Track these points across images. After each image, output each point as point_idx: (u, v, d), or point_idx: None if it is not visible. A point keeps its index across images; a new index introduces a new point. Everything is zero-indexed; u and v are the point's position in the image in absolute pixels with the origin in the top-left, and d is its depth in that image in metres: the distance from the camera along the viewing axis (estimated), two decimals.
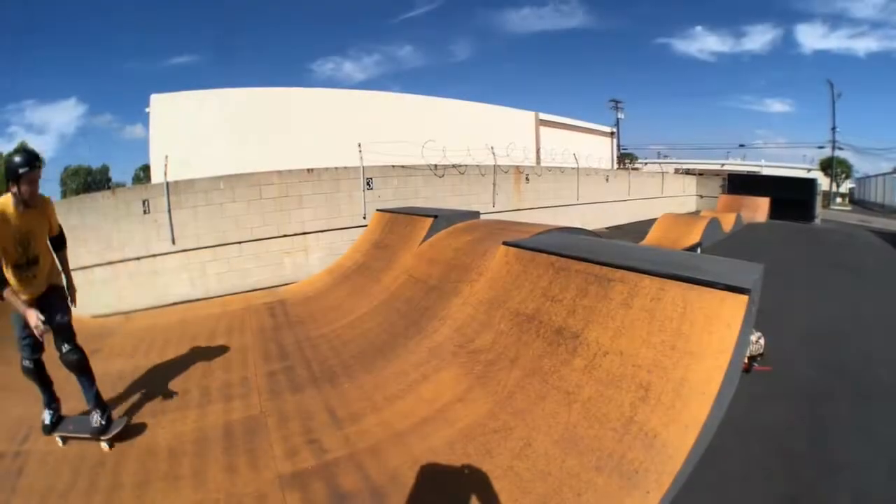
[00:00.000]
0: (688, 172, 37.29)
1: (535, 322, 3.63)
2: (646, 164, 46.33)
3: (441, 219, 6.52)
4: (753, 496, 2.69)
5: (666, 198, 26.10)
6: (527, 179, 16.24)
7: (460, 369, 3.59)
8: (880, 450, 3.09)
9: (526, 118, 32.58)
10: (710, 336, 2.73)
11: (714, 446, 2.70)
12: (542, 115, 33.59)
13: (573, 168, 18.85)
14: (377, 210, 8.83)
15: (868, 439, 3.22)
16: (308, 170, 10.51)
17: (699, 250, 10.81)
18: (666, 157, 52.29)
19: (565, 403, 2.88)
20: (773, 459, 2.99)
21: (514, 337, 3.63)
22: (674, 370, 2.70)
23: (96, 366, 4.56)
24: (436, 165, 12.76)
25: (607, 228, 19.09)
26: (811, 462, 2.96)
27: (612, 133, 41.72)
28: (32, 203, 3.28)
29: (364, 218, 10.73)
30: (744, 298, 2.77)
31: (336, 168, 10.85)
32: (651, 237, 13.53)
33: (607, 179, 21.85)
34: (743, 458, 2.98)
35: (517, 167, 16.01)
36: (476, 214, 7.14)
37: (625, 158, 45.81)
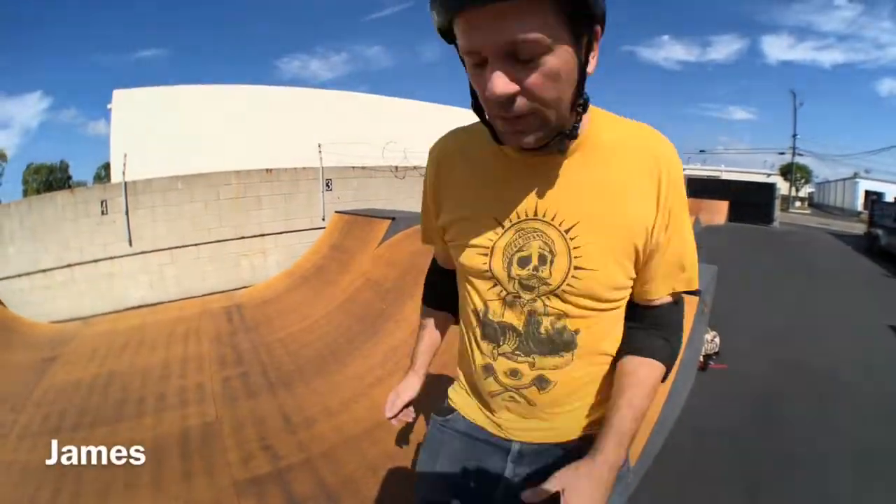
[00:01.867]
0: None
1: None
2: None
3: (399, 221, 6.48)
4: (711, 494, 2.72)
5: None
6: None
7: None
8: (841, 445, 3.16)
9: None
10: None
11: (670, 444, 2.73)
12: None
13: None
14: (336, 212, 8.76)
15: (828, 435, 3.29)
16: (267, 170, 10.37)
17: None
18: None
19: None
20: (731, 456, 3.03)
21: None
22: None
23: (54, 374, 4.49)
24: (396, 167, 12.68)
25: None
26: (770, 459, 3.01)
27: None
28: None
29: (323, 220, 10.60)
30: (694, 300, 2.81)
31: (295, 168, 10.72)
32: None
33: None
34: (701, 455, 3.00)
35: None
36: None
37: None
